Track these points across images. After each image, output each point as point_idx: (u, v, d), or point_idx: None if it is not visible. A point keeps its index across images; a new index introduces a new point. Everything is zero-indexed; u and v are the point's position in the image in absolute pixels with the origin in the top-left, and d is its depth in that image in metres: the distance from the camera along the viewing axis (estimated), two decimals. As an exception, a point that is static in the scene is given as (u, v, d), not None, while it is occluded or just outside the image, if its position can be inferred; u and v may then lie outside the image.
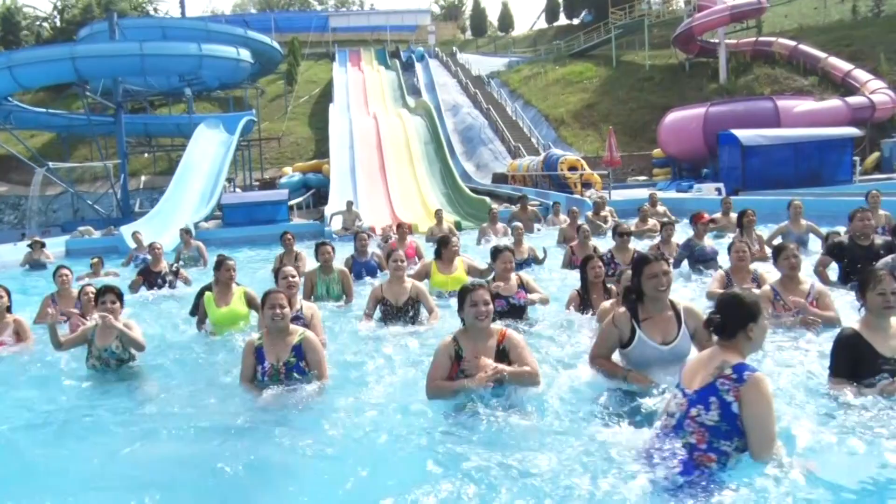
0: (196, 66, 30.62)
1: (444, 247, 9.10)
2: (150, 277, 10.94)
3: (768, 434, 3.36)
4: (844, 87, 33.61)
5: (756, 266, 7.96)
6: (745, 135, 23.62)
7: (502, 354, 4.83)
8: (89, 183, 38.33)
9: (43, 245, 16.67)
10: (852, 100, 29.70)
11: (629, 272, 6.52)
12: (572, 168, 27.05)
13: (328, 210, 21.84)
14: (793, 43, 38.00)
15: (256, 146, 37.26)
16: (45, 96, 44.74)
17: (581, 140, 38.42)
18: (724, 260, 8.88)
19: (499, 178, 33.87)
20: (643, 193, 25.90)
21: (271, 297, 5.39)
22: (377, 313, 7.71)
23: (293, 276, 7.02)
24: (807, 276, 6.95)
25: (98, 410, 5.28)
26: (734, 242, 7.82)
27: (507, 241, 13.18)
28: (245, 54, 32.79)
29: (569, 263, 10.84)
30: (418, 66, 50.14)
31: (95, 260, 12.88)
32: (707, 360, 3.63)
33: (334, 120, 32.31)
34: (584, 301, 7.51)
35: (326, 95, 46.73)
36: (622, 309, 5.00)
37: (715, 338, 3.74)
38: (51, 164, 31.34)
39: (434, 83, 46.51)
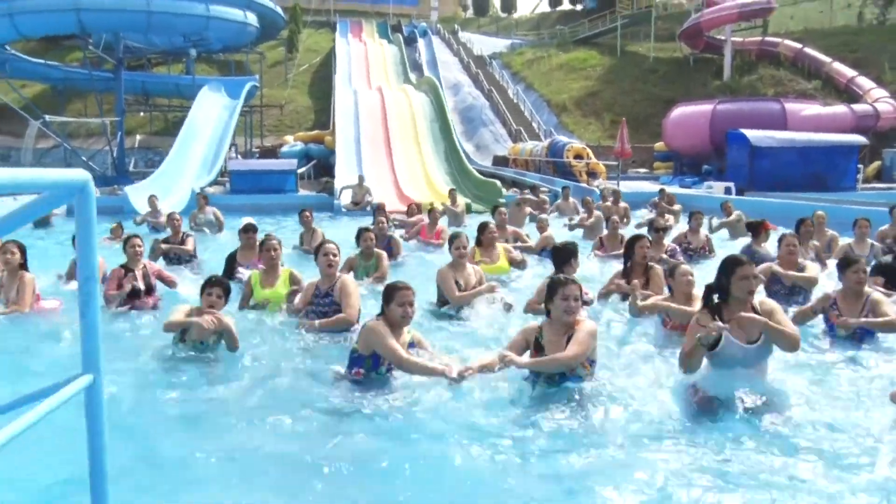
0: (203, 26, 30.04)
1: (482, 232, 9.00)
2: (167, 251, 10.47)
3: None
4: (847, 93, 33.81)
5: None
6: (754, 135, 23.70)
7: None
8: (83, 139, 37.65)
9: None
10: (858, 107, 29.90)
11: (683, 266, 6.58)
12: (578, 156, 27.03)
13: (338, 183, 21.62)
14: (798, 45, 38.13)
15: (257, 112, 36.73)
16: (36, 46, 43.73)
17: (583, 128, 38.38)
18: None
19: (499, 161, 33.74)
20: (648, 186, 26.00)
21: (401, 293, 5.17)
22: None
23: (335, 255, 6.78)
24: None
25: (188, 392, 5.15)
26: (785, 236, 7.82)
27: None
28: (252, 18, 32.22)
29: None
30: (421, 42, 49.62)
31: (115, 225, 12.65)
32: None
33: (340, 91, 31.95)
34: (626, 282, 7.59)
35: (326, 65, 46.17)
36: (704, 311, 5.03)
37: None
38: (47, 116, 30.70)
39: (436, 60, 46.12)
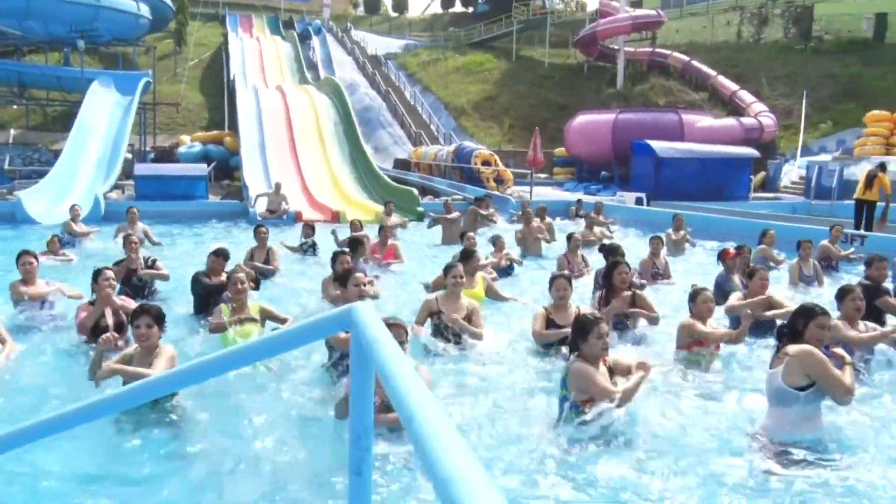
0: (92, 16, 28.29)
1: (466, 261, 8.71)
2: (125, 277, 9.01)
3: None
4: (731, 105, 35.56)
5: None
6: (659, 146, 24.60)
7: (610, 374, 5.17)
8: (-55, 132, 34.67)
9: None
10: (745, 120, 31.58)
11: (706, 292, 6.71)
12: (486, 162, 27.21)
13: (252, 191, 20.79)
14: (686, 58, 39.80)
15: (150, 110, 34.79)
16: None
17: (483, 132, 38.72)
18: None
19: (401, 164, 33.56)
20: (552, 192, 26.51)
21: (394, 329, 4.94)
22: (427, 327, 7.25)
23: (365, 284, 6.43)
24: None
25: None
26: (757, 270, 7.90)
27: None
28: (145, 9, 30.67)
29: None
30: (315, 40, 48.68)
31: (51, 238, 11.56)
32: None
33: (240, 91, 30.77)
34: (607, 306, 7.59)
35: (217, 60, 44.59)
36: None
37: None
38: None
39: (331, 59, 45.37)
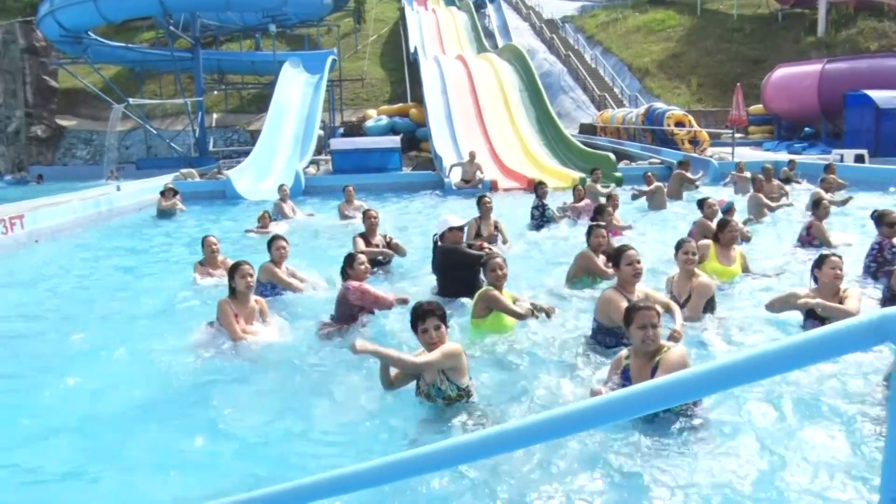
0: (281, 2, 29.41)
1: (721, 230, 7.96)
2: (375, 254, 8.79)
3: None
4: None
5: None
6: (880, 96, 22.18)
7: None
8: (159, 119, 37.49)
9: (175, 192, 15.86)
10: (983, 60, 27.84)
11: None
12: (679, 124, 25.75)
13: (445, 162, 20.79)
14: (902, -6, 35.82)
15: (336, 87, 35.93)
16: (106, 29, 43.60)
17: (669, 92, 36.78)
18: None
19: (586, 129, 32.58)
20: (759, 155, 24.56)
21: (641, 314, 4.40)
22: None
23: (639, 262, 5.92)
24: None
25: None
26: None
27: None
28: (329, -10, 31.53)
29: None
30: (490, 8, 48.32)
31: (262, 213, 12.05)
32: None
33: (423, 62, 30.95)
34: None
35: (395, 35, 45.26)
36: None
37: None
38: (130, 100, 30.44)
39: (507, 26, 44.81)
